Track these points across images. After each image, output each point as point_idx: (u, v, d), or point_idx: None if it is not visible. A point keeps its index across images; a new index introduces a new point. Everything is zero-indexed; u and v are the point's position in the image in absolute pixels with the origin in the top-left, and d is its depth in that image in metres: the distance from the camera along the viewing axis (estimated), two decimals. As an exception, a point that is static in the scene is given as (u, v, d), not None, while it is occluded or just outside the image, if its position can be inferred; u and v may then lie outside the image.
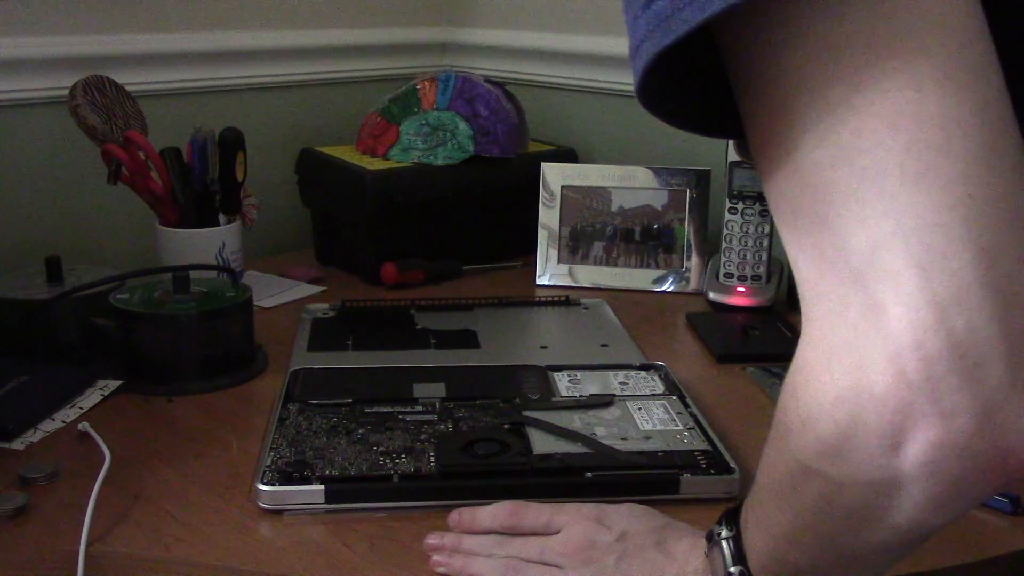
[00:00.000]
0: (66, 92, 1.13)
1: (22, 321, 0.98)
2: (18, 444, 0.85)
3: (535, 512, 0.70)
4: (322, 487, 0.75)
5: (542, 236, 1.32)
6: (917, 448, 0.38)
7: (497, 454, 0.80)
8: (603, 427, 0.85)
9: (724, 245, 1.22)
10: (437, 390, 0.92)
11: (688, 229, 1.29)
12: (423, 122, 1.32)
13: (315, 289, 1.27)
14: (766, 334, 1.11)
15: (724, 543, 0.56)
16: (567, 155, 1.44)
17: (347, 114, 1.52)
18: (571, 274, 1.31)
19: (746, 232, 1.21)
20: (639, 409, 0.88)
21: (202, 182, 1.17)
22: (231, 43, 1.40)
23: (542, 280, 1.31)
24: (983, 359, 0.37)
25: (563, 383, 0.94)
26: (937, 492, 0.39)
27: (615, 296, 1.25)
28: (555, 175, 1.32)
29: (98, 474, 0.77)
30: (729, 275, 1.21)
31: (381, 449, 0.80)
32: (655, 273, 1.29)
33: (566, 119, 1.54)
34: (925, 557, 0.68)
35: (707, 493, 0.76)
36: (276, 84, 1.48)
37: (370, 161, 1.32)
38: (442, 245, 1.33)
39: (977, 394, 0.37)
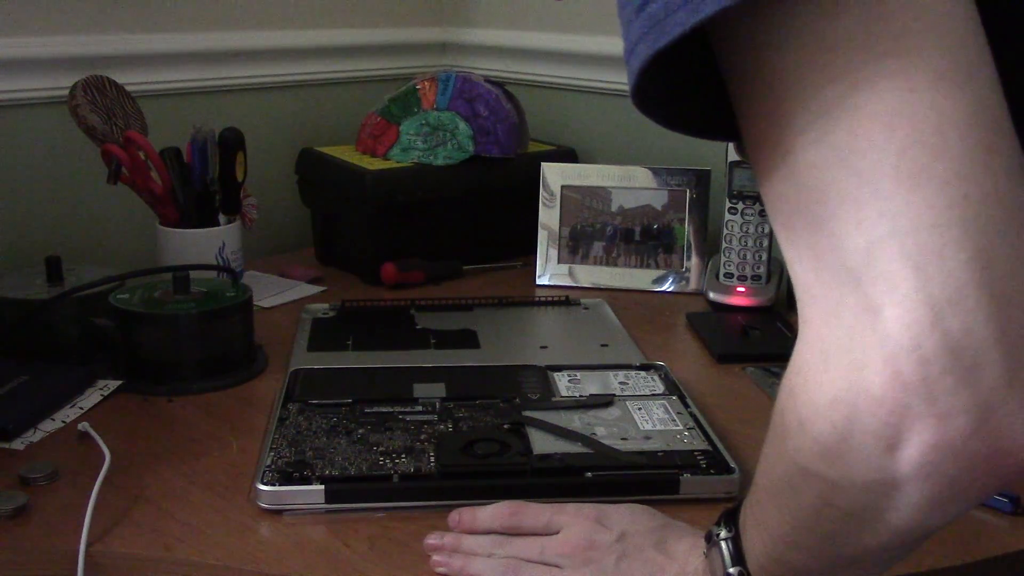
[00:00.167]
0: (66, 92, 1.13)
1: (22, 321, 0.98)
2: (18, 444, 0.85)
3: (535, 512, 0.70)
4: (322, 487, 0.75)
5: (542, 236, 1.32)
6: (913, 449, 0.38)
7: (497, 454, 0.80)
8: (603, 427, 0.85)
9: (724, 245, 1.22)
10: (437, 390, 0.92)
11: (688, 229, 1.29)
12: (423, 122, 1.32)
13: (315, 289, 1.27)
14: (766, 334, 1.11)
15: (723, 544, 0.56)
16: (567, 155, 1.44)
17: (347, 114, 1.52)
18: (571, 274, 1.31)
19: (746, 232, 1.21)
20: (639, 409, 0.88)
21: (202, 182, 1.17)
22: (231, 43, 1.40)
23: (542, 280, 1.31)
24: (979, 360, 0.37)
25: (563, 383, 0.94)
26: (934, 493, 0.39)
27: (615, 296, 1.25)
28: (555, 175, 1.32)
29: (98, 474, 0.77)
30: (729, 275, 1.21)
31: (381, 449, 0.80)
32: (655, 273, 1.29)
33: (566, 119, 1.54)
34: (925, 557, 0.68)
35: (707, 493, 0.76)
36: (276, 84, 1.48)
37: (370, 161, 1.32)
38: (442, 245, 1.33)
39: (973, 395, 0.37)
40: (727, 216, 1.21)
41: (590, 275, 1.31)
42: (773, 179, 0.42)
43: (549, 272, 1.31)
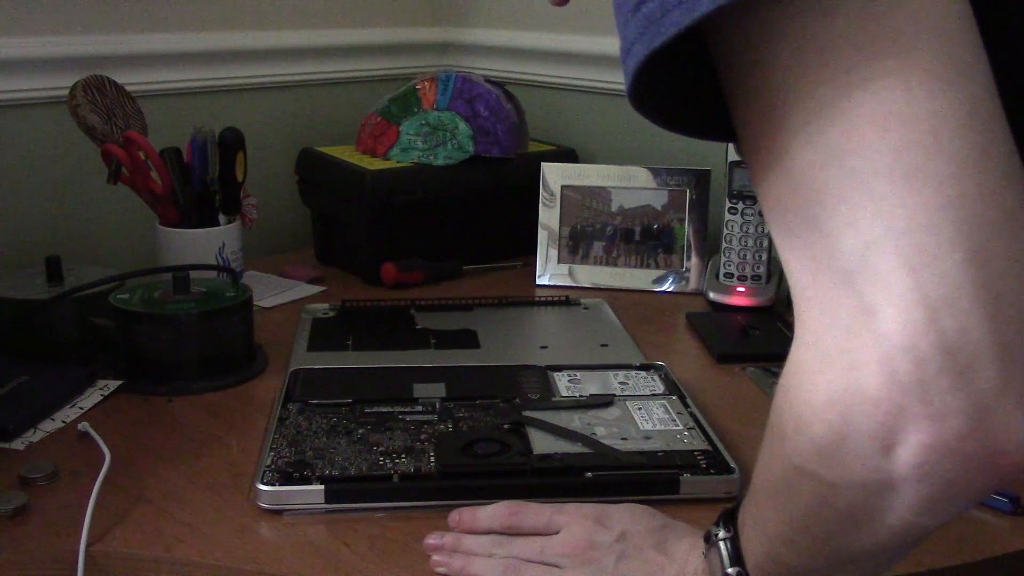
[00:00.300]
0: (66, 92, 1.13)
1: (22, 321, 0.98)
2: (18, 444, 0.85)
3: (535, 512, 0.70)
4: (322, 487, 0.75)
5: (542, 236, 1.32)
6: (909, 450, 0.38)
7: (497, 454, 0.80)
8: (603, 427, 0.85)
9: (724, 245, 1.22)
10: (437, 390, 0.92)
11: (688, 229, 1.29)
12: (423, 122, 1.32)
13: (315, 289, 1.27)
14: (766, 334, 1.11)
15: (721, 544, 0.56)
16: (567, 155, 1.44)
17: (347, 114, 1.52)
18: (571, 274, 1.31)
19: (746, 232, 1.21)
20: (639, 409, 0.88)
21: (202, 182, 1.17)
22: (231, 43, 1.40)
23: (542, 280, 1.31)
24: (974, 360, 0.37)
25: (563, 383, 0.94)
26: (930, 493, 0.39)
27: (615, 296, 1.25)
28: (555, 175, 1.32)
29: (98, 474, 0.77)
30: (729, 275, 1.21)
31: (381, 449, 0.80)
32: (655, 273, 1.29)
33: (566, 119, 1.54)
34: (925, 557, 0.68)
35: (707, 493, 0.76)
36: (276, 84, 1.48)
37: (370, 161, 1.32)
38: (442, 245, 1.33)
39: (968, 396, 0.37)
40: (727, 216, 1.21)
41: (590, 275, 1.31)
42: (768, 180, 0.42)
43: (549, 272, 1.31)
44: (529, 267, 1.33)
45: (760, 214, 1.20)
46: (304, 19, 1.49)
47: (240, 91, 1.44)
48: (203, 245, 1.15)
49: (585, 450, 0.80)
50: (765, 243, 1.20)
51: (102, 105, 1.14)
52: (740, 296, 1.20)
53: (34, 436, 0.86)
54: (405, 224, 1.29)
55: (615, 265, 1.30)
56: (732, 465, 0.78)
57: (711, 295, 1.22)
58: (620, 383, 0.94)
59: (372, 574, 0.68)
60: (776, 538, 0.50)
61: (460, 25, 1.65)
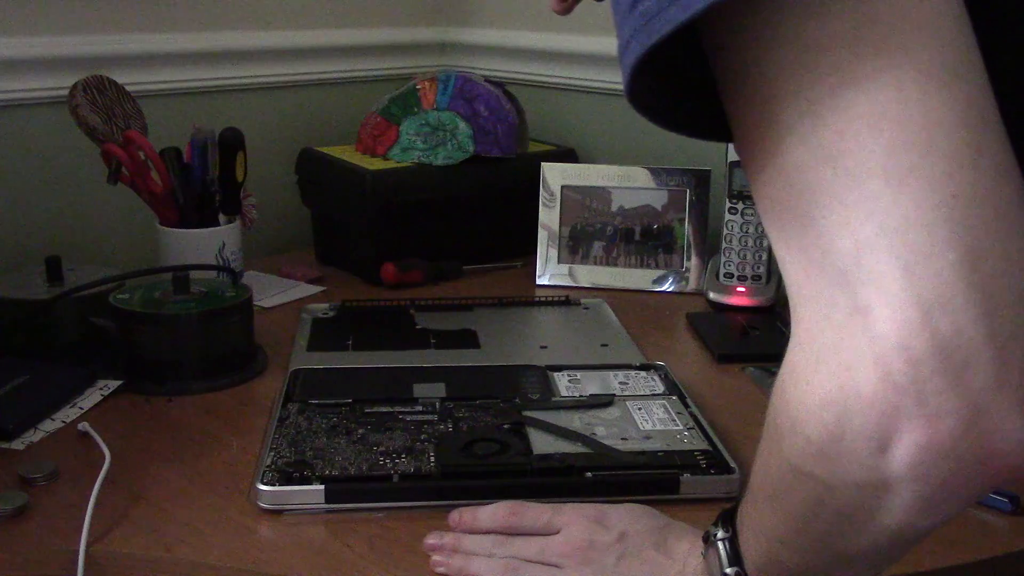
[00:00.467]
0: (66, 92, 1.13)
1: (22, 321, 0.98)
2: (18, 444, 0.85)
3: (535, 512, 0.70)
4: (322, 487, 0.75)
5: (542, 236, 1.32)
6: (904, 450, 0.38)
7: (497, 454, 0.80)
8: (603, 427, 0.85)
9: (724, 245, 1.22)
10: (437, 390, 0.92)
11: (688, 229, 1.29)
12: (423, 122, 1.32)
13: (315, 289, 1.27)
14: (766, 334, 1.11)
15: (720, 544, 0.56)
16: (567, 155, 1.44)
17: (347, 114, 1.52)
18: (571, 274, 1.31)
19: (746, 232, 1.21)
20: (639, 409, 0.88)
21: (202, 182, 1.17)
22: (231, 43, 1.40)
23: (542, 280, 1.31)
24: (969, 360, 0.37)
25: (563, 383, 0.94)
26: (925, 494, 0.39)
27: (615, 296, 1.25)
28: (555, 175, 1.32)
29: (98, 474, 0.77)
30: (729, 275, 1.21)
31: (381, 449, 0.80)
32: (655, 273, 1.29)
33: (566, 119, 1.54)
34: (925, 557, 0.68)
35: (707, 493, 0.76)
36: (276, 84, 1.48)
37: (370, 161, 1.32)
38: (442, 245, 1.33)
39: (963, 396, 0.37)
40: (727, 216, 1.21)
41: (590, 275, 1.31)
42: (763, 178, 0.43)
43: (549, 272, 1.31)
44: (529, 267, 1.33)
45: (760, 214, 1.20)
46: (304, 19, 1.49)
47: (240, 91, 1.44)
48: (203, 245, 1.15)
49: (585, 450, 0.80)
50: (765, 243, 1.20)
51: (102, 105, 1.14)
52: (740, 296, 1.20)
53: (34, 436, 0.86)
54: (405, 224, 1.29)
55: (615, 265, 1.30)
56: (732, 465, 0.78)
57: (711, 295, 1.22)
58: (620, 383, 0.94)
59: (372, 574, 0.68)
60: (774, 538, 0.50)
61: (460, 25, 1.65)
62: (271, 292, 1.25)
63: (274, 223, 1.45)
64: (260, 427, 0.87)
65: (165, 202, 1.15)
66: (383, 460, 0.78)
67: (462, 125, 1.32)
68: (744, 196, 1.20)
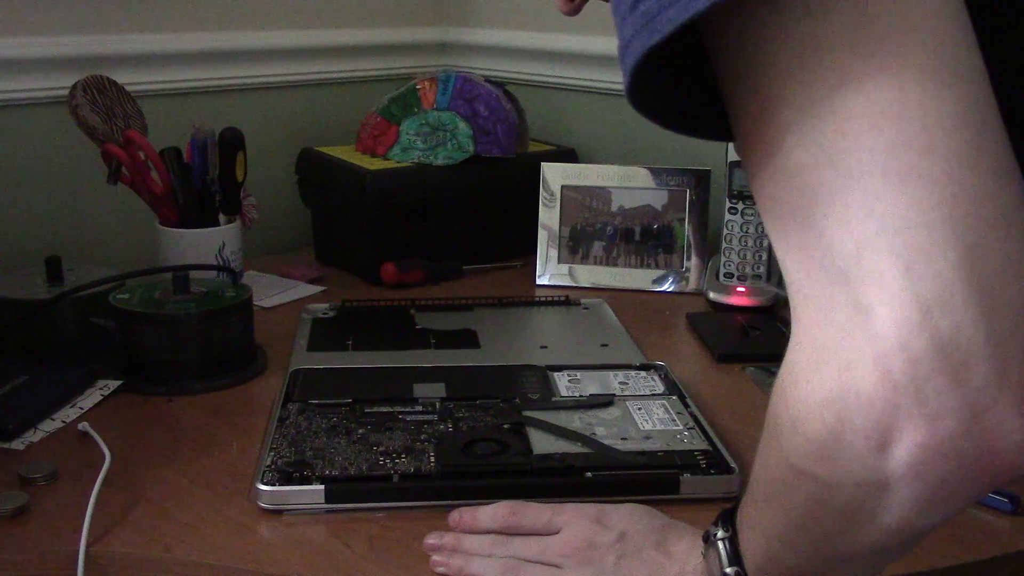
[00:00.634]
0: (66, 92, 1.13)
1: (22, 321, 0.98)
2: (18, 444, 0.85)
3: (535, 512, 0.70)
4: (322, 487, 0.75)
5: (542, 236, 1.32)
6: (904, 449, 0.38)
7: (497, 454, 0.80)
8: (603, 427, 0.85)
9: (724, 245, 1.22)
10: (437, 390, 0.92)
11: (688, 229, 1.29)
12: (423, 122, 1.32)
13: (315, 289, 1.27)
14: (766, 334, 1.11)
15: (720, 544, 0.56)
16: (567, 155, 1.44)
17: (347, 114, 1.52)
18: (571, 274, 1.31)
19: (746, 232, 1.21)
20: (639, 409, 0.88)
21: (202, 182, 1.17)
22: (231, 43, 1.40)
23: (542, 280, 1.31)
24: (968, 360, 0.37)
25: (563, 383, 0.94)
26: (925, 493, 0.39)
27: (615, 296, 1.25)
28: (555, 175, 1.32)
29: (98, 474, 0.77)
30: (729, 275, 1.21)
31: (381, 449, 0.80)
32: (655, 273, 1.29)
33: (566, 119, 1.54)
34: (925, 557, 0.68)
35: (707, 493, 0.76)
36: (276, 84, 1.48)
37: (370, 161, 1.32)
38: (442, 245, 1.32)
39: (963, 395, 0.37)
40: (727, 216, 1.21)
41: (590, 275, 1.31)
42: (763, 177, 0.43)
43: (549, 272, 1.31)
44: (529, 267, 1.33)
45: (760, 213, 1.20)
46: (304, 19, 1.49)
47: (240, 91, 1.44)
48: (203, 245, 1.15)
49: (585, 450, 0.80)
50: (765, 243, 1.20)
51: (102, 105, 1.14)
52: (740, 296, 1.20)
53: (34, 436, 0.86)
54: (405, 224, 1.29)
55: (615, 265, 1.30)
56: (732, 465, 0.78)
57: (711, 295, 1.22)
58: (620, 383, 0.94)
59: (372, 574, 0.68)
60: (774, 537, 0.50)
61: (460, 25, 1.65)
62: (271, 292, 1.25)
63: (274, 223, 1.45)
64: (260, 427, 0.87)
65: (165, 202, 1.15)
66: (383, 460, 0.78)
67: (462, 125, 1.32)
68: (744, 196, 1.20)
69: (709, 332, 1.12)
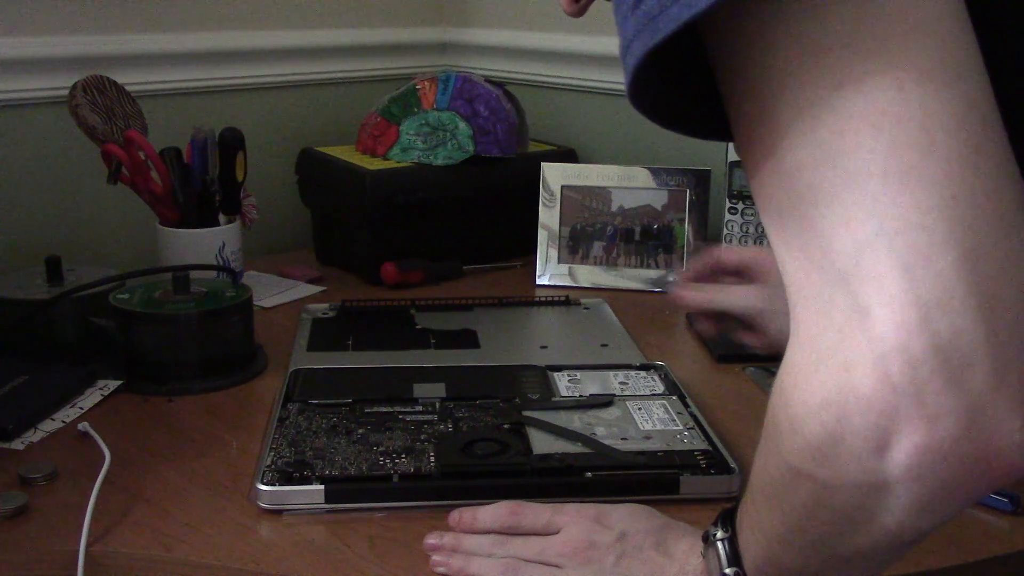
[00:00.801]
0: (66, 92, 1.13)
1: (22, 321, 0.98)
2: (18, 444, 0.85)
3: (535, 512, 0.70)
4: (322, 487, 0.75)
5: (542, 236, 1.32)
6: (903, 451, 0.38)
7: (497, 454, 0.80)
8: (603, 427, 0.85)
9: (724, 245, 1.22)
10: (437, 390, 0.92)
11: (688, 229, 1.29)
12: (423, 122, 1.32)
13: (315, 289, 1.27)
14: (766, 334, 1.11)
15: (719, 544, 0.56)
16: (567, 155, 1.44)
17: (347, 114, 1.52)
18: (571, 274, 1.31)
19: (746, 232, 1.21)
20: (639, 409, 0.88)
21: (202, 182, 1.17)
22: (231, 43, 1.40)
23: (542, 280, 1.31)
24: (967, 361, 0.37)
25: (563, 383, 0.94)
26: (924, 495, 0.39)
27: (615, 296, 1.25)
28: (555, 175, 1.32)
29: (98, 474, 0.77)
30: (729, 275, 1.21)
31: (381, 449, 0.80)
32: (655, 273, 1.29)
33: (566, 119, 1.54)
34: (925, 557, 0.68)
35: (707, 493, 0.76)
36: (276, 84, 1.48)
37: (370, 161, 1.32)
38: (442, 245, 1.33)
39: (961, 397, 0.37)
40: (727, 216, 1.21)
41: (590, 275, 1.31)
42: (762, 178, 0.43)
43: (549, 272, 1.31)
44: (529, 267, 1.33)
45: (760, 214, 1.20)
46: (304, 19, 1.49)
47: (240, 91, 1.44)
48: (203, 245, 1.15)
49: (585, 450, 0.80)
50: (765, 243, 1.20)
51: (102, 105, 1.14)
52: (740, 296, 1.20)
53: (34, 436, 0.86)
54: (405, 224, 1.29)
55: (615, 265, 1.30)
56: (732, 465, 0.78)
57: (711, 295, 1.22)
58: (620, 383, 0.94)
59: (372, 574, 0.68)
60: (773, 538, 0.50)
61: (460, 25, 1.65)
62: (271, 292, 1.25)
63: (274, 223, 1.45)
64: (260, 427, 0.87)
65: (165, 202, 1.15)
66: (383, 460, 0.78)
67: (462, 125, 1.32)
68: (744, 196, 1.20)
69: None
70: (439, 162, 1.31)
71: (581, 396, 0.91)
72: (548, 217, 1.32)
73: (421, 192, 1.29)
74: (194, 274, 1.02)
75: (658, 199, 1.30)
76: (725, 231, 1.22)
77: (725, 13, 0.41)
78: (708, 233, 1.28)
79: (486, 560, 0.68)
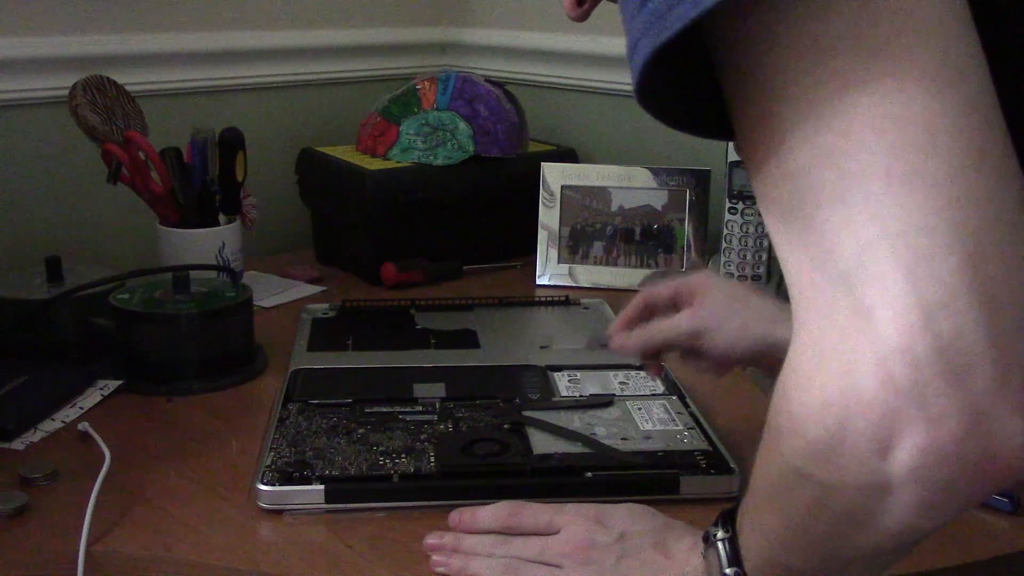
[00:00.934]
0: (66, 92, 1.13)
1: (22, 321, 0.98)
2: (18, 444, 0.85)
3: (535, 512, 0.70)
4: (322, 487, 0.75)
5: (542, 236, 1.32)
6: (905, 453, 0.38)
7: (497, 454, 0.80)
8: (603, 427, 0.85)
9: (724, 245, 1.22)
10: (437, 390, 0.92)
11: (688, 229, 1.29)
12: (423, 122, 1.32)
13: (315, 289, 1.27)
14: (766, 334, 1.11)
15: (720, 544, 0.56)
16: (567, 155, 1.44)
17: (347, 114, 1.52)
18: (571, 274, 1.31)
19: (746, 232, 1.21)
20: (639, 409, 0.88)
21: (202, 182, 1.17)
22: (231, 43, 1.40)
23: (542, 280, 1.31)
24: (970, 363, 0.37)
25: (563, 383, 0.94)
26: (926, 496, 0.39)
27: (615, 296, 1.25)
28: (555, 175, 1.32)
29: (98, 474, 0.77)
30: (729, 275, 1.21)
31: (381, 449, 0.80)
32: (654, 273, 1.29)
33: (566, 119, 1.54)
34: (925, 557, 0.68)
35: (707, 493, 0.76)
36: (276, 84, 1.48)
37: (370, 161, 1.32)
38: (442, 245, 1.33)
39: (964, 398, 0.37)
40: (727, 216, 1.21)
41: (590, 275, 1.31)
42: (765, 180, 0.43)
43: (549, 272, 1.31)
44: (529, 267, 1.33)
45: (760, 214, 1.20)
46: (304, 19, 1.49)
47: (240, 91, 1.44)
48: (203, 245, 1.15)
49: (585, 450, 0.80)
50: (765, 243, 1.20)
51: (102, 105, 1.14)
52: (740, 296, 1.20)
53: (34, 436, 0.86)
54: (405, 224, 1.29)
55: (615, 265, 1.30)
56: (732, 465, 0.78)
57: (711, 295, 1.22)
58: (620, 383, 0.94)
59: (372, 574, 0.68)
60: (774, 539, 0.50)
61: (460, 25, 1.65)
62: (271, 292, 1.25)
63: (274, 223, 1.45)
64: (260, 427, 0.87)
65: (165, 202, 1.15)
66: (383, 460, 0.78)
67: (462, 125, 1.32)
68: (744, 196, 1.20)
69: (709, 332, 1.12)
70: (439, 162, 1.31)
71: (581, 396, 0.91)
72: (548, 217, 1.32)
73: (421, 192, 1.29)
74: (194, 274, 1.02)
75: (658, 199, 1.30)
76: (725, 231, 1.22)
77: (729, 13, 0.41)
78: (708, 233, 1.28)
79: (486, 560, 0.68)
